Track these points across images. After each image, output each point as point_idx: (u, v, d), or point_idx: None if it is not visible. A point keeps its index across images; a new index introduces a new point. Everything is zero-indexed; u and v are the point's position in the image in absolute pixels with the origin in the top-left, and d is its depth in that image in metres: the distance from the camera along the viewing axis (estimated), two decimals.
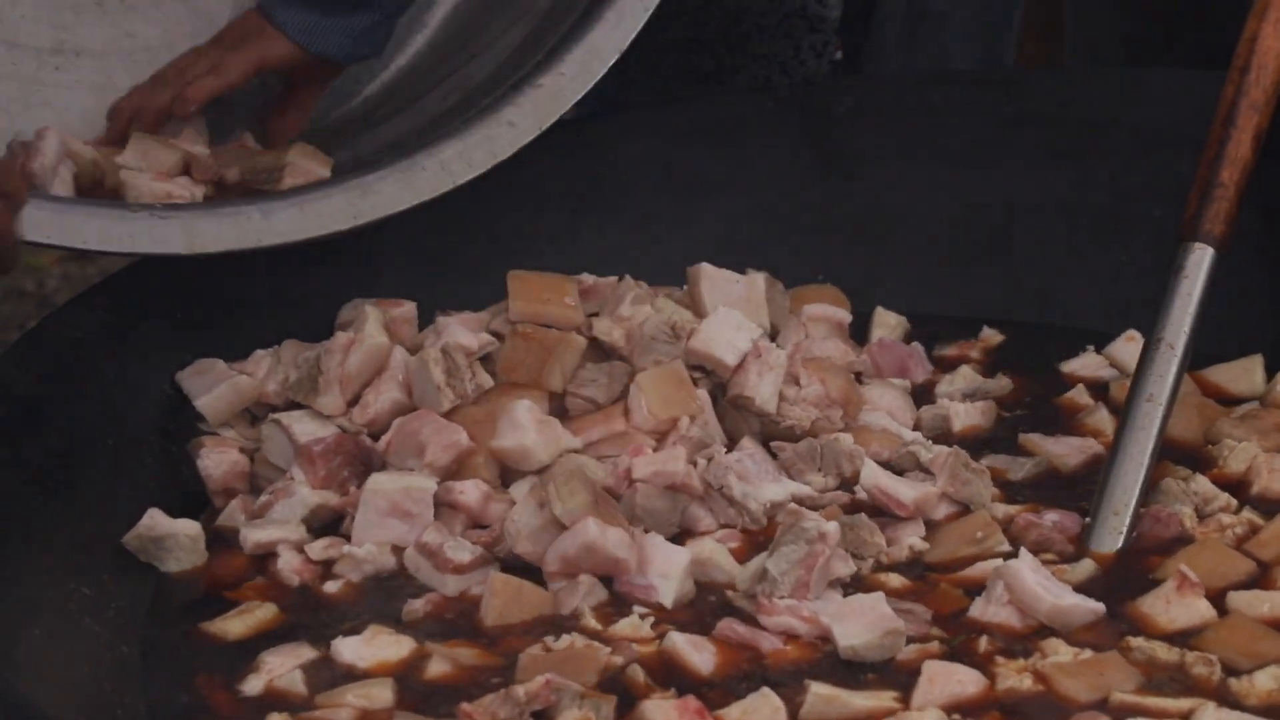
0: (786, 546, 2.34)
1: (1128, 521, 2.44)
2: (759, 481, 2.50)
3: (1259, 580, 2.37)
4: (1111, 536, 2.43)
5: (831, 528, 2.35)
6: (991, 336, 2.86)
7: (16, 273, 4.33)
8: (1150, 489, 2.47)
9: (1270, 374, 2.71)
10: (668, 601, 2.36)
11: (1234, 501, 2.49)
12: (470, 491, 2.45)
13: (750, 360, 2.60)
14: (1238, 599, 2.33)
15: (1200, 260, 2.56)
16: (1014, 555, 2.37)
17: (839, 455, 2.55)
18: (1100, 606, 2.31)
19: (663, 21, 2.76)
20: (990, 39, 3.43)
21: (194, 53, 2.79)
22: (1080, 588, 2.34)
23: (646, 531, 2.42)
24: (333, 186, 2.65)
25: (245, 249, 2.58)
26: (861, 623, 2.27)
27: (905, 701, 2.21)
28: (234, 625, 2.35)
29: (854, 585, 2.38)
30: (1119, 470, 2.45)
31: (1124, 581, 2.38)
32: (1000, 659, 2.26)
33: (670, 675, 2.25)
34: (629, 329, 2.62)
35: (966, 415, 2.69)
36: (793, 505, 2.44)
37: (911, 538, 2.46)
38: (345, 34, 2.79)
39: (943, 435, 2.66)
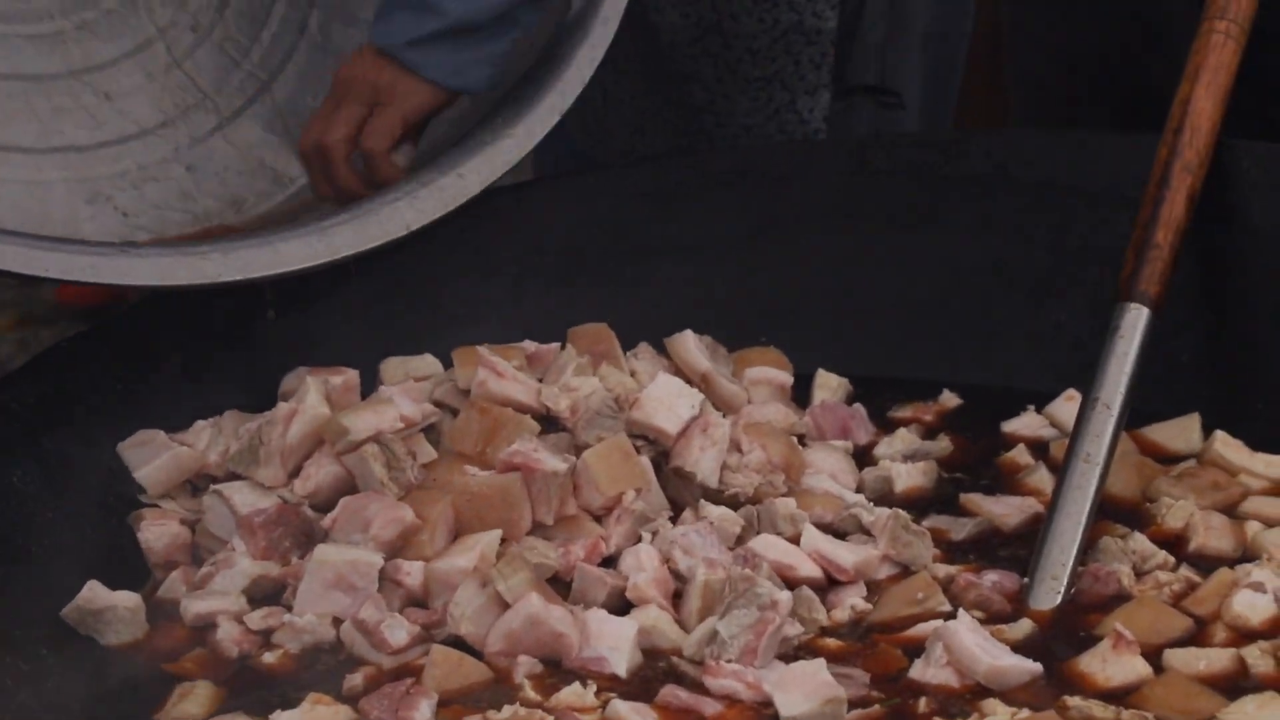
0: (738, 610, 2.34)
1: (1065, 580, 2.44)
2: (704, 554, 2.49)
3: (1195, 637, 2.38)
4: (1049, 595, 2.44)
5: (784, 596, 2.35)
6: (949, 399, 2.87)
7: None
8: (1089, 547, 2.48)
9: (1207, 432, 2.73)
10: (622, 671, 2.34)
11: (1171, 559, 2.50)
12: (415, 574, 2.44)
13: (694, 431, 2.59)
14: (1174, 656, 2.34)
15: (1135, 320, 2.57)
16: (955, 615, 2.38)
17: (778, 520, 2.55)
18: (1038, 666, 2.31)
19: (651, 63, 2.75)
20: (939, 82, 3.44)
21: (322, 120, 2.74)
22: (1019, 647, 2.35)
23: (586, 609, 2.41)
24: (291, 229, 2.70)
25: (205, 285, 2.62)
26: (802, 691, 2.27)
27: None
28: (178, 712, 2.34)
29: (796, 646, 2.38)
30: (1056, 530, 2.46)
31: (1063, 640, 2.38)
32: None
33: None
34: (574, 401, 2.62)
35: (909, 476, 2.69)
36: (745, 571, 2.44)
37: (854, 599, 2.47)
38: (488, 63, 2.70)
39: (885, 496, 2.67)
